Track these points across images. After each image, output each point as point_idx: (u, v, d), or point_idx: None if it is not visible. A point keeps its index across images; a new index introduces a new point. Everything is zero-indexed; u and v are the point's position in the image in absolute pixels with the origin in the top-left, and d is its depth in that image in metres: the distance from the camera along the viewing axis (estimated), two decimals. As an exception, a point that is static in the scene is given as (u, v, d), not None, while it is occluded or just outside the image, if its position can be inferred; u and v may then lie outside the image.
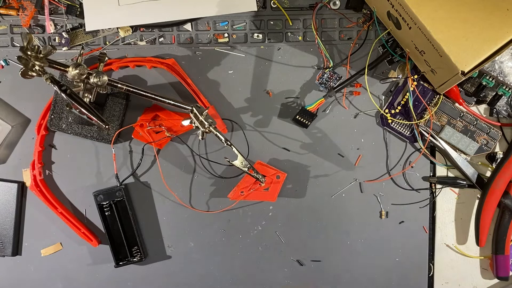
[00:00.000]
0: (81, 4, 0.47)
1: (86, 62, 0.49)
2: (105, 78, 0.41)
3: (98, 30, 0.48)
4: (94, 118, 0.40)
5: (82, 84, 0.41)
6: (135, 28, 0.49)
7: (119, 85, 0.42)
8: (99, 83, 0.40)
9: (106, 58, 0.44)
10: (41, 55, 0.38)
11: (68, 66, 0.40)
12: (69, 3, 0.48)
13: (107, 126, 0.41)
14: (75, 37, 0.49)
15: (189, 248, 0.50)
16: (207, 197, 0.50)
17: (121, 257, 0.49)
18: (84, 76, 0.40)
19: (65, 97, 0.39)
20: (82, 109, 0.40)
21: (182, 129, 0.48)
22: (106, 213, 0.49)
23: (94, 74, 0.40)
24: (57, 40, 0.49)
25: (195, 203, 0.50)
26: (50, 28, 0.48)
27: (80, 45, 0.49)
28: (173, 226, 0.50)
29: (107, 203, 0.48)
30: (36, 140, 0.48)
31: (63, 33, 0.48)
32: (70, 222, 0.48)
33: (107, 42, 0.49)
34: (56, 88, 0.39)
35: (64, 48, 0.49)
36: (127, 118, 0.49)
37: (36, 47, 0.38)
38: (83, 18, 0.47)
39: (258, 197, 0.49)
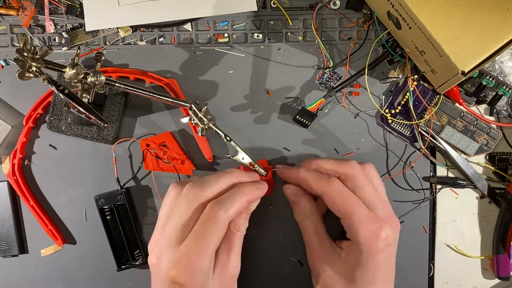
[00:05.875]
0: (81, 4, 0.47)
1: (87, 62, 0.49)
2: (103, 77, 0.41)
3: (98, 30, 0.48)
4: (92, 116, 0.40)
5: (80, 85, 0.41)
6: (135, 28, 0.49)
7: (116, 84, 0.42)
8: (96, 82, 0.40)
9: (103, 58, 0.44)
10: (37, 56, 0.38)
11: (65, 67, 0.39)
12: (69, 3, 0.48)
13: (105, 125, 0.41)
14: (75, 37, 0.49)
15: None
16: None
17: (123, 260, 0.49)
18: (82, 76, 0.40)
19: (63, 96, 0.39)
20: (80, 108, 0.40)
21: (181, 167, 0.48)
22: (108, 217, 0.48)
23: (91, 74, 0.40)
24: (57, 40, 0.49)
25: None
26: (50, 28, 0.48)
27: (80, 44, 0.49)
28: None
29: (108, 207, 0.48)
30: (23, 130, 0.48)
31: (63, 33, 0.48)
32: (39, 217, 0.48)
33: (107, 42, 0.49)
34: (53, 88, 0.39)
35: (64, 48, 0.49)
36: (127, 117, 0.49)
37: (32, 48, 0.38)
38: (83, 18, 0.47)
39: None
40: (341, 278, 0.41)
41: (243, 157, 0.45)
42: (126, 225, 0.49)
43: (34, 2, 0.47)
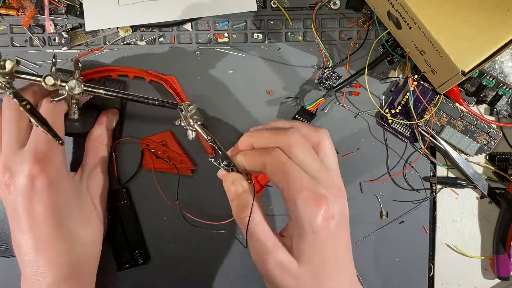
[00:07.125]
0: (81, 4, 0.47)
1: (85, 63, 0.49)
2: (77, 90, 0.40)
3: (98, 30, 0.48)
4: (48, 134, 0.39)
5: (65, 92, 0.41)
6: (135, 28, 0.49)
7: (97, 91, 0.42)
8: (75, 91, 0.40)
9: (80, 65, 0.43)
10: (6, 71, 0.38)
11: (41, 76, 0.39)
12: (69, 3, 0.48)
13: (60, 142, 0.40)
14: (75, 37, 0.49)
15: (189, 249, 0.50)
16: (209, 198, 0.50)
17: (123, 261, 0.49)
18: (58, 85, 0.40)
19: (24, 111, 0.38)
20: (39, 124, 0.39)
21: (181, 166, 0.48)
22: (108, 217, 0.48)
23: (68, 82, 0.40)
24: (57, 40, 0.49)
25: (197, 204, 0.50)
26: (50, 28, 0.48)
27: (80, 44, 0.49)
28: (174, 228, 0.50)
29: (108, 207, 0.48)
30: None
31: (63, 33, 0.48)
32: None
33: (107, 42, 0.49)
34: (17, 102, 0.39)
35: (64, 48, 0.49)
36: (127, 117, 0.49)
37: (2, 63, 0.38)
38: (83, 18, 0.47)
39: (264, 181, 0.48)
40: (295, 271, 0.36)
41: (218, 160, 0.40)
42: (126, 225, 0.49)
43: (34, 2, 0.47)
